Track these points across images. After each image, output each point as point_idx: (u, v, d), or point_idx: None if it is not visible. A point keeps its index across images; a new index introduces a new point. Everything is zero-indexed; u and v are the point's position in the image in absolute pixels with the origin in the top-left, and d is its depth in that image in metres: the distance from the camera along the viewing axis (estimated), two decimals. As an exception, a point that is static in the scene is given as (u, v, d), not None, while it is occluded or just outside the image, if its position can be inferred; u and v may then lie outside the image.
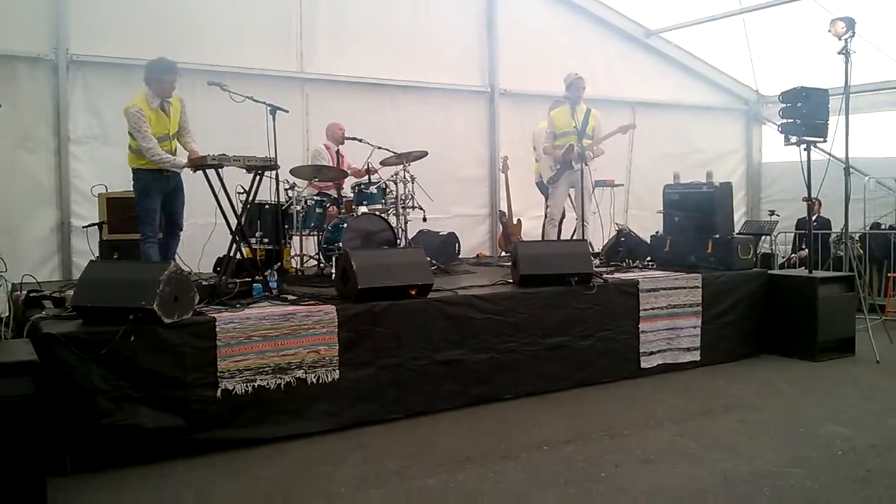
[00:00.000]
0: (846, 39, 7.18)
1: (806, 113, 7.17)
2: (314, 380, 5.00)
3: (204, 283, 5.61)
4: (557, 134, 7.96)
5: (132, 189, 6.23)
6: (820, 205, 10.08)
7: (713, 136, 12.39)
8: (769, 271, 7.65)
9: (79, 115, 7.80)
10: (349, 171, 7.96)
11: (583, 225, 7.63)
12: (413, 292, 5.48)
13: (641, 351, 6.47)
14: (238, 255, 5.79)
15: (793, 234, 11.01)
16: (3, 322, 5.42)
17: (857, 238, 9.67)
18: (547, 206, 8.24)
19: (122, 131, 7.49)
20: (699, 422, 5.24)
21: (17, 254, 7.03)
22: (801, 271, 7.67)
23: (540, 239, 8.25)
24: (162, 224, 6.28)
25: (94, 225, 7.01)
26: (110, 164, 7.64)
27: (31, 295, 5.39)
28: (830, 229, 10.17)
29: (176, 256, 6.35)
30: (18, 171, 7.58)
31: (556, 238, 7.98)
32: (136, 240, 6.73)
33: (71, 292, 4.89)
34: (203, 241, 6.58)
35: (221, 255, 6.12)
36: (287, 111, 6.07)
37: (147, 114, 5.90)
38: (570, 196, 8.02)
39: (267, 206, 6.76)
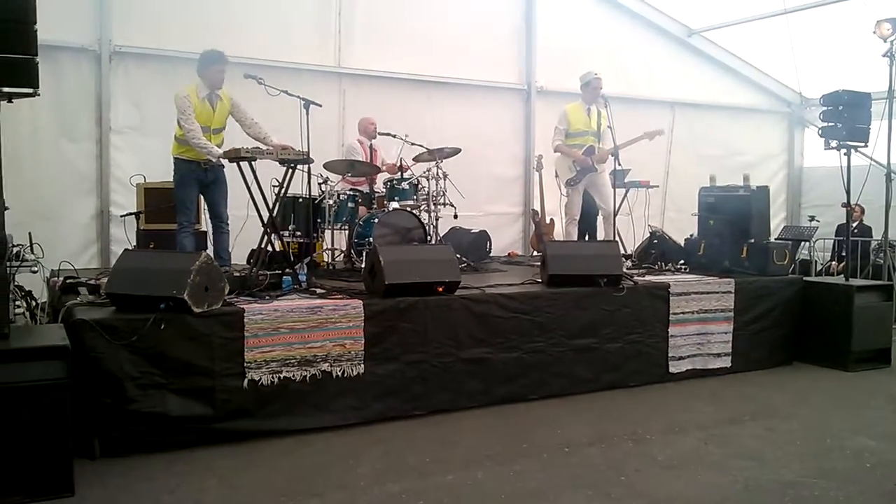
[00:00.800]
0: (892, 41, 7.02)
1: (847, 116, 7.02)
2: (339, 373, 5.05)
3: (235, 274, 5.70)
4: (572, 132, 7.80)
5: (172, 178, 6.35)
6: (862, 212, 9.89)
7: (754, 139, 12.20)
8: (805, 278, 7.51)
9: (120, 105, 7.97)
10: (382, 167, 8.00)
11: (613, 226, 7.54)
12: (440, 289, 5.49)
13: (670, 355, 6.40)
14: (270, 248, 5.87)
15: (832, 241, 10.77)
16: (40, 307, 5.59)
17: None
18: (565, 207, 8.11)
19: (161, 122, 7.70)
20: (725, 429, 5.17)
21: (57, 240, 7.22)
22: (838, 279, 7.52)
23: (562, 238, 8.14)
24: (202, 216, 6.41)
25: (131, 214, 7.15)
26: (149, 155, 7.81)
27: (68, 281, 5.52)
28: (871, 237, 9.94)
29: (228, 252, 6.52)
30: (62, 159, 7.78)
31: (576, 237, 7.90)
32: (173, 230, 6.90)
33: (106, 280, 5.00)
34: (236, 232, 6.67)
35: (255, 248, 6.21)
36: (320, 105, 6.13)
37: (193, 101, 6.13)
38: (594, 197, 7.91)
39: (300, 200, 6.84)
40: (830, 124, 7.13)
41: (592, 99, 7.75)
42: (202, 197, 6.58)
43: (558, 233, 9.23)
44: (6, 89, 4.02)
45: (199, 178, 6.26)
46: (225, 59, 6.27)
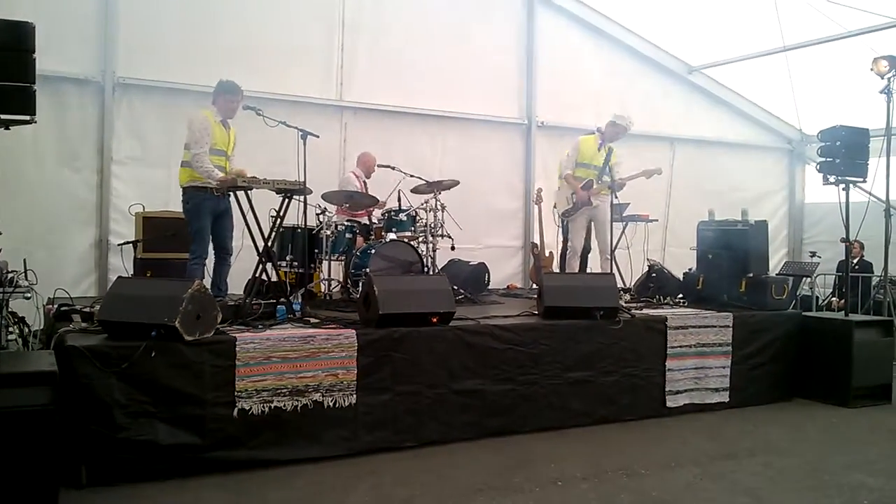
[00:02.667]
0: (889, 78, 7.06)
1: (845, 152, 7.04)
2: (331, 403, 5.00)
3: (230, 303, 5.69)
4: (580, 162, 7.82)
5: (182, 209, 6.36)
6: (862, 247, 9.86)
7: (755, 175, 12.24)
8: (804, 313, 7.46)
9: (122, 136, 8.06)
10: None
11: (610, 259, 7.52)
12: (435, 320, 5.47)
13: (667, 390, 6.34)
14: (267, 277, 5.87)
15: (833, 277, 10.73)
16: (34, 334, 5.59)
17: (901, 283, 9.37)
18: (566, 239, 8.10)
19: (162, 153, 7.83)
20: (722, 464, 5.10)
21: (56, 268, 7.27)
22: (837, 314, 7.47)
23: (560, 270, 8.12)
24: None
25: (129, 243, 7.17)
26: (150, 185, 7.91)
27: (62, 308, 5.51)
28: (872, 272, 9.90)
29: (226, 283, 6.49)
30: (63, 188, 7.84)
31: (578, 270, 7.88)
32: (170, 259, 6.94)
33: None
34: (235, 260, 6.67)
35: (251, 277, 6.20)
36: (317, 136, 6.16)
37: (212, 124, 6.20)
38: (592, 230, 7.90)
39: (298, 230, 6.85)
40: (829, 160, 7.14)
41: (611, 139, 7.76)
42: None
43: (558, 266, 9.21)
44: (3, 116, 4.09)
45: (212, 206, 6.24)
46: (238, 91, 6.33)
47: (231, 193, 5.90)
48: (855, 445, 5.67)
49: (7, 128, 4.17)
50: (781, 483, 4.75)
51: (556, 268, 8.64)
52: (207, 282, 6.07)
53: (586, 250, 8.06)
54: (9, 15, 4.18)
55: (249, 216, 5.71)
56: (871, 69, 7.19)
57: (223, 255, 6.48)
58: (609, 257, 7.62)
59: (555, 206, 8.20)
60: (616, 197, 7.41)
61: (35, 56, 4.13)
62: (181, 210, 6.43)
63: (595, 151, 7.73)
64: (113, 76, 7.91)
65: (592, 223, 7.84)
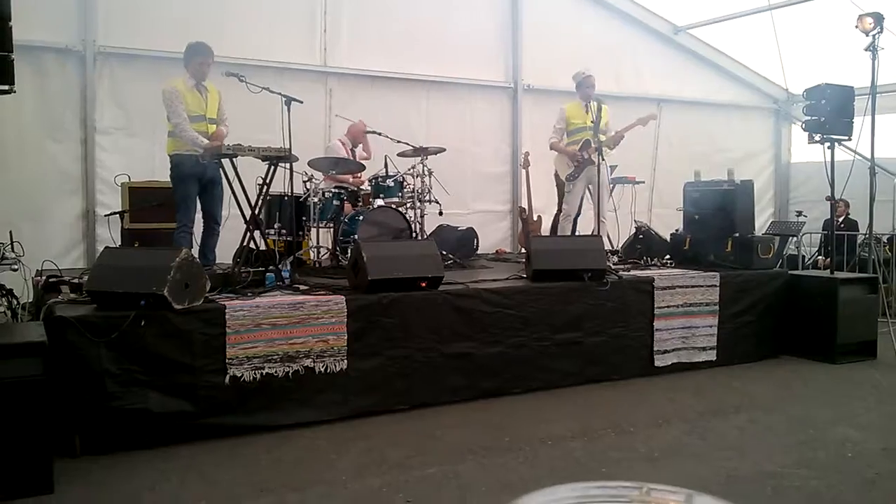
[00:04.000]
0: (874, 35, 7.04)
1: (830, 110, 7.05)
2: (322, 369, 5.05)
3: (218, 272, 5.69)
4: (570, 130, 7.79)
5: (169, 176, 6.34)
6: (847, 206, 9.90)
7: (741, 135, 12.22)
8: (790, 271, 7.53)
9: (105, 105, 7.96)
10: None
11: (599, 221, 7.54)
12: (423, 284, 5.50)
13: (655, 349, 6.42)
14: (255, 246, 5.87)
15: (819, 236, 10.81)
16: (23, 306, 5.59)
17: (886, 240, 9.46)
18: (563, 202, 8.10)
19: (146, 122, 7.76)
20: (709, 421, 5.19)
21: (43, 240, 7.22)
22: (823, 272, 7.54)
23: (553, 234, 8.14)
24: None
25: (115, 213, 7.13)
26: (134, 155, 7.86)
27: (51, 280, 5.51)
28: (857, 231, 9.97)
29: (214, 252, 6.49)
30: (47, 160, 7.76)
31: (570, 234, 7.90)
32: (157, 229, 6.91)
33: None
34: (222, 230, 6.66)
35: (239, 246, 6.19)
36: (301, 102, 6.12)
37: (182, 92, 6.15)
38: (588, 191, 7.91)
39: (286, 198, 6.83)
40: (814, 118, 7.16)
41: (588, 96, 7.73)
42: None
43: (546, 229, 9.24)
44: (-19, 86, 4.03)
45: (197, 173, 6.18)
46: (208, 52, 6.26)
47: (219, 161, 5.87)
48: (840, 400, 5.77)
49: (-14, 98, 4.13)
50: (768, 438, 4.84)
51: (546, 232, 8.66)
52: (195, 251, 6.07)
53: (577, 213, 8.06)
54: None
55: (236, 184, 5.68)
56: (857, 26, 7.15)
57: (212, 224, 6.46)
58: (605, 220, 7.62)
59: (556, 174, 8.17)
60: (603, 159, 7.38)
61: (11, 24, 4.06)
62: (167, 179, 6.39)
63: (583, 114, 7.69)
64: (94, 45, 7.79)
65: (590, 186, 7.82)
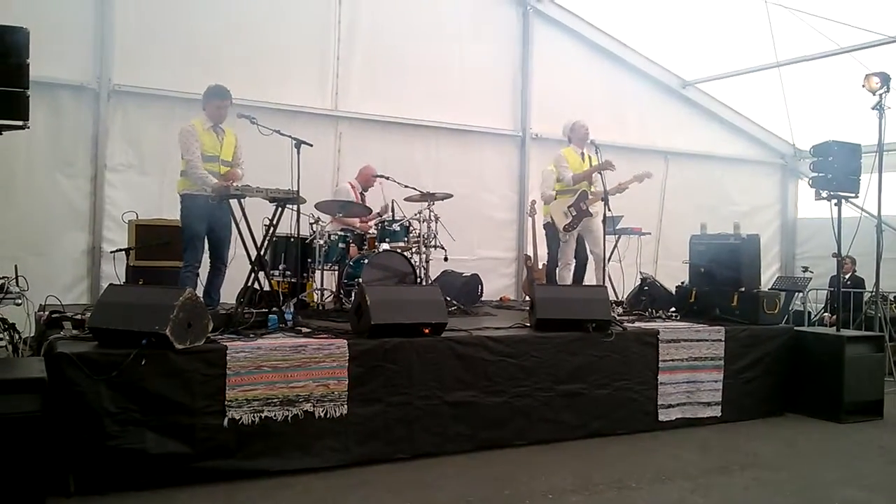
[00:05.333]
0: (881, 95, 7.11)
1: (837, 167, 7.08)
2: (322, 414, 4.98)
3: (221, 311, 5.67)
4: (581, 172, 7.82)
5: (179, 216, 6.35)
6: (854, 263, 9.88)
7: (748, 189, 12.28)
8: (796, 328, 7.47)
9: (117, 143, 8.04)
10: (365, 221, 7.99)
11: (604, 271, 7.52)
12: (427, 330, 5.46)
13: (659, 403, 6.33)
14: (259, 286, 5.86)
15: (825, 292, 10.75)
16: (25, 341, 5.56)
17: (893, 298, 9.40)
18: (558, 252, 8.07)
19: (156, 161, 7.86)
20: (713, 479, 5.09)
21: (48, 275, 7.24)
22: (829, 329, 7.48)
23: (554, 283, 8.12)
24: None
25: (121, 250, 7.15)
26: (143, 193, 7.92)
27: (53, 315, 5.49)
28: (864, 288, 9.92)
29: (219, 292, 6.48)
30: (56, 195, 7.83)
31: (570, 283, 7.87)
32: (162, 267, 6.92)
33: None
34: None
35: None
36: (311, 145, 6.15)
37: (199, 133, 6.23)
38: (585, 242, 7.91)
39: (291, 240, 6.83)
40: (821, 175, 7.18)
41: (582, 143, 7.79)
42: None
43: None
44: (-3, 121, 4.07)
45: (207, 213, 6.19)
46: (225, 95, 6.35)
47: (228, 201, 5.89)
48: (846, 461, 5.67)
49: (0, 133, 4.16)
50: (772, 498, 4.74)
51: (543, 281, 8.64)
52: (200, 291, 6.06)
53: (583, 260, 8.04)
54: (3, 20, 4.17)
55: (242, 224, 5.70)
56: (863, 86, 7.23)
57: (218, 265, 6.46)
58: (605, 266, 7.61)
59: (551, 222, 8.16)
60: (609, 209, 7.39)
61: (29, 62, 4.13)
62: (174, 218, 6.41)
63: (580, 162, 7.74)
64: (108, 83, 7.90)
65: (583, 234, 7.83)
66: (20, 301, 4.89)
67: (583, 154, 7.76)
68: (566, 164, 7.81)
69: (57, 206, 7.81)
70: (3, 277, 5.03)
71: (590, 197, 7.66)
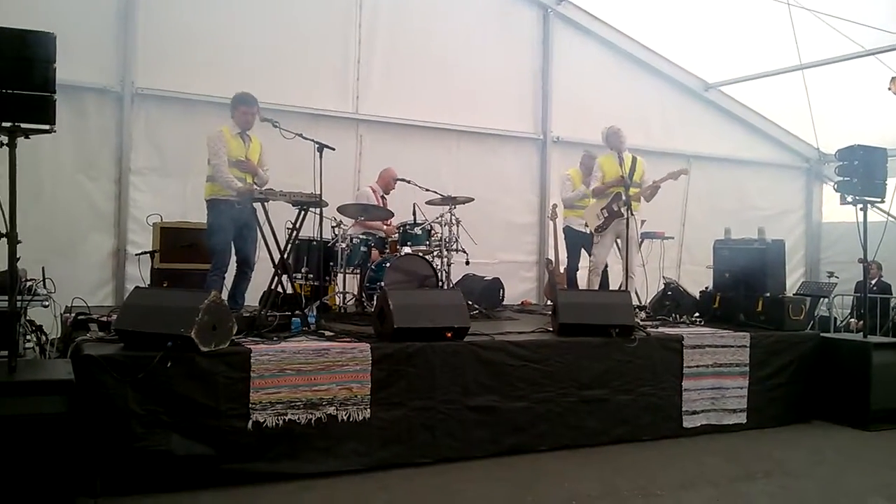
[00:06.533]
0: (906, 98, 7.02)
1: (863, 172, 6.98)
2: (345, 417, 4.99)
3: (245, 315, 5.69)
4: (607, 181, 7.81)
5: (206, 221, 6.41)
6: (880, 268, 9.76)
7: (772, 193, 12.17)
8: (822, 334, 7.37)
9: (140, 146, 8.09)
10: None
11: (627, 276, 7.47)
12: (449, 335, 5.45)
13: (684, 409, 6.27)
14: (282, 289, 5.88)
15: (851, 298, 10.62)
16: (51, 342, 5.60)
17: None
18: (591, 255, 8.05)
19: (180, 164, 7.91)
20: (738, 486, 5.05)
21: (74, 277, 7.23)
22: (856, 336, 7.38)
23: (576, 287, 8.10)
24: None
25: (146, 253, 7.19)
26: (167, 195, 7.96)
27: (79, 317, 5.53)
28: (891, 294, 9.80)
29: (244, 296, 6.53)
30: (81, 197, 7.88)
31: (598, 287, 7.83)
32: (187, 269, 6.97)
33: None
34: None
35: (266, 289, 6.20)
36: (333, 149, 6.16)
37: (227, 138, 6.31)
38: (616, 245, 7.88)
39: (314, 243, 6.85)
40: (846, 179, 7.09)
41: (619, 146, 7.72)
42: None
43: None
44: (24, 126, 4.10)
45: (234, 218, 6.23)
46: (252, 102, 6.41)
47: (254, 205, 5.92)
48: (873, 469, 5.60)
49: (27, 137, 4.20)
50: (799, 506, 4.69)
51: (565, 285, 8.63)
52: (225, 294, 6.09)
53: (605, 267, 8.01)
54: (29, 25, 4.21)
55: (266, 228, 5.73)
56: (889, 88, 7.15)
57: (245, 269, 6.50)
58: (633, 275, 7.56)
59: (566, 226, 8.17)
60: (632, 214, 7.34)
61: (55, 66, 4.16)
62: (198, 220, 6.45)
63: (616, 167, 7.69)
64: (132, 86, 7.96)
65: (618, 240, 7.78)
66: (47, 303, 4.93)
67: (620, 158, 7.69)
68: (600, 173, 7.80)
69: (82, 209, 7.87)
70: (31, 279, 5.07)
71: (623, 199, 7.58)
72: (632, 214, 7.38)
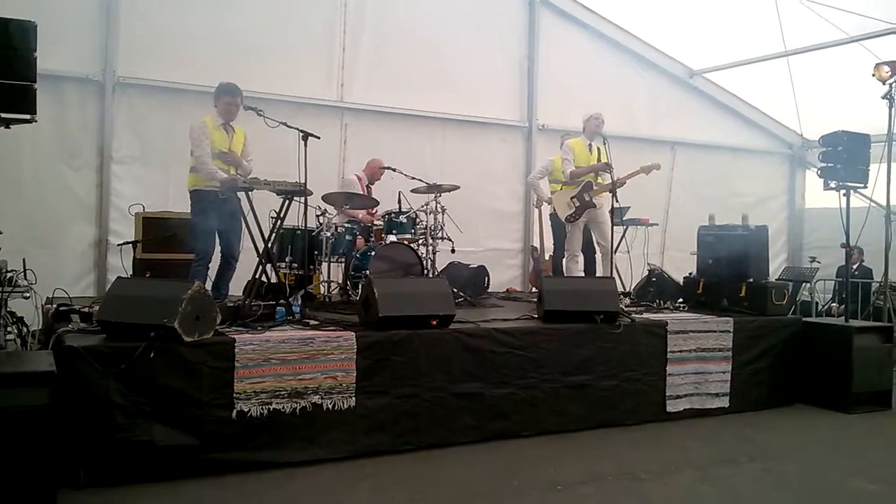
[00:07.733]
0: (890, 84, 7.06)
1: (846, 158, 7.02)
2: (330, 406, 4.98)
3: (229, 304, 5.67)
4: (577, 166, 7.77)
5: (190, 212, 6.38)
6: (862, 253, 9.84)
7: (755, 180, 12.23)
8: (804, 318, 7.44)
9: (122, 135, 8.03)
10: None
11: (611, 263, 7.50)
12: (434, 322, 5.45)
13: (668, 394, 6.32)
14: (266, 279, 5.85)
15: (833, 283, 10.71)
16: (33, 334, 5.56)
17: (901, 289, 9.35)
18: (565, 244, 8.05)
19: (162, 153, 7.84)
20: (721, 470, 5.09)
21: (55, 268, 7.22)
22: (837, 320, 7.45)
23: (562, 275, 8.11)
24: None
25: (128, 243, 7.14)
26: (149, 185, 7.91)
27: (61, 308, 5.49)
28: (872, 278, 9.88)
29: (228, 286, 6.50)
30: (62, 187, 7.82)
31: (577, 274, 7.85)
32: (169, 259, 6.93)
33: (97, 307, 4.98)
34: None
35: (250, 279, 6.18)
36: (318, 137, 6.13)
37: (210, 129, 6.27)
38: (591, 233, 7.88)
39: (298, 232, 6.83)
40: (829, 165, 7.13)
41: (592, 135, 7.75)
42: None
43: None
44: (4, 115, 4.07)
45: (217, 208, 6.19)
46: (235, 92, 6.36)
47: (238, 195, 5.89)
48: (855, 451, 5.67)
49: (8, 126, 4.16)
50: (781, 489, 4.74)
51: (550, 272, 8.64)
52: (209, 284, 6.06)
53: (592, 255, 8.01)
54: (10, 14, 4.17)
55: (250, 217, 5.70)
56: (873, 75, 7.17)
57: (230, 260, 6.48)
58: (611, 258, 7.59)
59: (553, 213, 8.16)
60: (617, 200, 7.37)
61: (36, 55, 4.12)
62: (181, 210, 6.41)
63: (587, 153, 7.71)
64: (113, 75, 7.89)
65: (590, 226, 7.80)
66: (28, 294, 4.89)
67: (590, 146, 7.71)
68: (571, 156, 7.77)
69: (63, 199, 7.81)
70: (12, 271, 5.02)
71: (594, 188, 7.63)
72: (616, 200, 7.39)
